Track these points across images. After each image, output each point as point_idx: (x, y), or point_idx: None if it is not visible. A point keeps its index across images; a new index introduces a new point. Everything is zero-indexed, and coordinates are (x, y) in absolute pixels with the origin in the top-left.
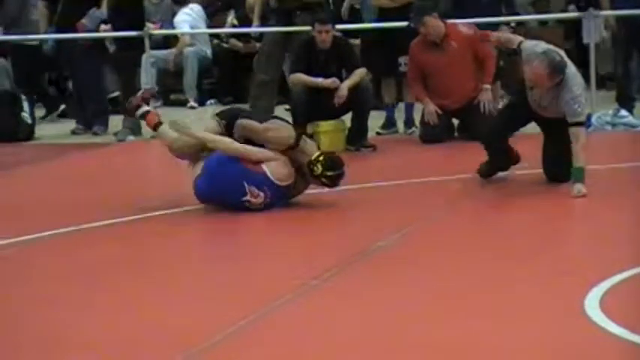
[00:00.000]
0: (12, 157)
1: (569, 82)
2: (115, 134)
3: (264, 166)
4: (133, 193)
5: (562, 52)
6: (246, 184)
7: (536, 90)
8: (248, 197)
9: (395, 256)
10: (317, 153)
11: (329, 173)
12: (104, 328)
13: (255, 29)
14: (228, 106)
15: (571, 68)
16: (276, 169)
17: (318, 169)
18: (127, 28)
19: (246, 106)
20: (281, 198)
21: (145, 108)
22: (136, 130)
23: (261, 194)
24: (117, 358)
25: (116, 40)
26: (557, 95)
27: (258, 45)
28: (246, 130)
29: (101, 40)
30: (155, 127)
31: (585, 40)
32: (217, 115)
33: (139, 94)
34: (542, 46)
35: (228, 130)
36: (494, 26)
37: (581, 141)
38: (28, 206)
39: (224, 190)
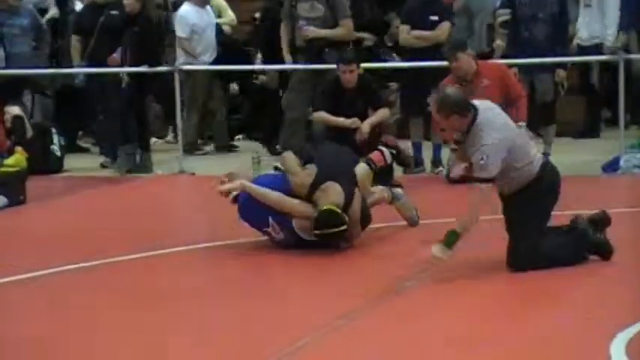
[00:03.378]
0: (44, 190)
1: (481, 131)
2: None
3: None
4: (161, 227)
5: (482, 101)
6: (270, 219)
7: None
8: (269, 229)
9: (421, 297)
10: (322, 208)
11: (316, 232)
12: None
13: (286, 66)
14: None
15: (490, 117)
16: (302, 222)
17: (312, 224)
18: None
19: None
20: (302, 246)
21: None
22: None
23: (281, 234)
24: None
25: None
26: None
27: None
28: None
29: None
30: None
31: None
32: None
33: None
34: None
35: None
36: (547, 67)
37: (475, 201)
38: (64, 237)
39: (254, 214)
